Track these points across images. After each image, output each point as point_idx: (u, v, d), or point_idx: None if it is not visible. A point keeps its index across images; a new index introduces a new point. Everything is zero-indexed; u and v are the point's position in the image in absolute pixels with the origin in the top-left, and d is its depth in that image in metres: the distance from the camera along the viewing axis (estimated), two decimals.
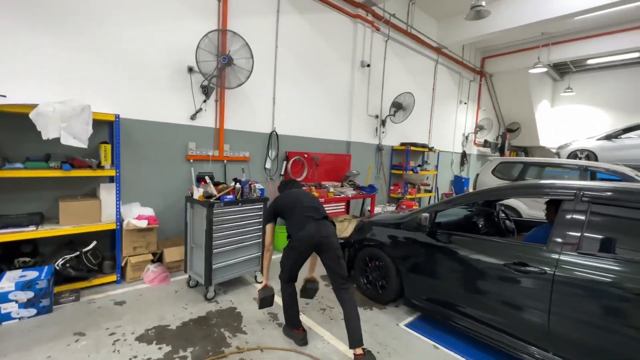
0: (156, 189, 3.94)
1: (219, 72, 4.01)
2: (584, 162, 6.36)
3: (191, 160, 4.20)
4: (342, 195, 5.26)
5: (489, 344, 2.40)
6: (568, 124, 12.15)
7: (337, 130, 6.16)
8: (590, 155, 8.16)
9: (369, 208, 6.49)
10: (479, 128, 10.54)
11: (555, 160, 7.06)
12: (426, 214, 2.78)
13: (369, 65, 6.34)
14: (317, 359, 2.33)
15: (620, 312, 1.86)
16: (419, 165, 8.03)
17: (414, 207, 6.78)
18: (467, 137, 10.35)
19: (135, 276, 3.44)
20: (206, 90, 4.15)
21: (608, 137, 8.04)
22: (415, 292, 2.95)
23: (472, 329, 2.51)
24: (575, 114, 12.07)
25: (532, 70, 9.24)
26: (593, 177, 5.59)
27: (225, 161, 4.54)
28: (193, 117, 4.16)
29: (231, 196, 3.22)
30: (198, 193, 3.16)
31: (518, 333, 2.27)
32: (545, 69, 9.36)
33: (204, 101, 4.21)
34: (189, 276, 3.38)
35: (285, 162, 5.24)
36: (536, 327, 2.17)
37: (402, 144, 7.40)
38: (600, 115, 11.42)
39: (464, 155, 10.31)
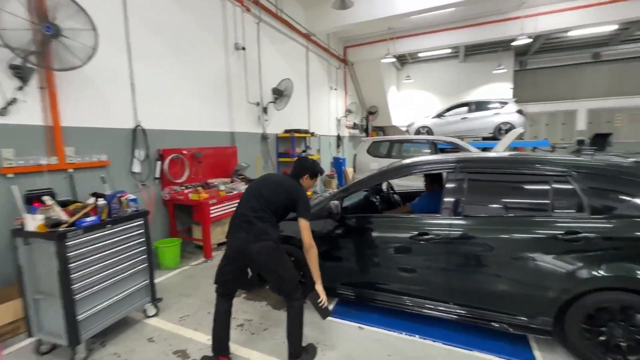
0: None
1: (40, 46, 2.85)
2: (430, 137, 7.92)
3: (10, 175, 2.91)
4: (235, 192, 4.80)
5: (405, 310, 2.64)
6: (411, 106, 14.85)
7: (218, 121, 5.53)
8: (429, 130, 10.21)
9: None
10: (348, 112, 11.61)
11: (412, 137, 8.52)
12: (336, 202, 2.78)
13: (244, 49, 5.88)
14: None
15: (500, 259, 2.30)
16: (304, 151, 8.21)
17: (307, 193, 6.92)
18: (339, 121, 11.24)
19: None
20: (22, 73, 2.89)
21: (438, 116, 10.24)
22: (332, 279, 2.95)
23: (390, 302, 2.70)
24: (415, 98, 14.86)
25: (383, 60, 10.73)
26: (435, 147, 6.93)
27: (70, 170, 3.36)
28: (2, 112, 2.86)
29: (93, 218, 2.38)
30: (34, 222, 2.20)
31: (427, 294, 2.57)
32: (393, 59, 11.00)
33: (20, 88, 2.94)
34: (38, 340, 2.38)
35: (160, 162, 4.35)
36: (440, 285, 2.50)
37: (287, 131, 7.35)
38: (431, 98, 14.43)
39: (338, 138, 11.20)
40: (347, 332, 2.60)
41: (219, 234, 4.74)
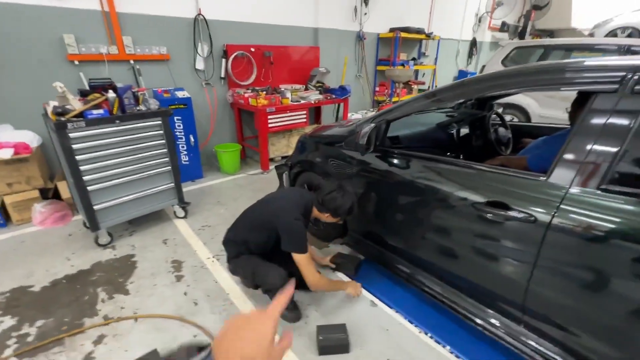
0: (33, 106, 2.94)
1: None
2: (625, 41, 4.82)
3: (76, 62, 3.06)
4: (303, 102, 4.16)
5: (438, 301, 1.75)
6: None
7: (298, 12, 4.61)
8: (634, 33, 6.45)
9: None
10: (497, 4, 8.35)
11: (588, 40, 5.47)
12: (367, 129, 1.81)
13: None
14: (202, 328, 1.75)
15: None
16: (413, 59, 6.52)
17: None
18: (480, 19, 8.30)
19: (24, 218, 2.79)
20: None
21: None
22: (358, 231, 2.22)
23: (421, 282, 1.84)
24: None
25: None
26: None
27: (132, 62, 3.37)
28: None
29: (101, 111, 2.24)
30: (49, 108, 2.19)
31: (481, 295, 1.58)
32: None
33: None
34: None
35: (224, 60, 4.01)
36: (509, 291, 1.45)
37: (392, 30, 5.79)
38: None
39: (473, 44, 8.46)
40: (352, 304, 1.95)
41: (283, 146, 4.40)
